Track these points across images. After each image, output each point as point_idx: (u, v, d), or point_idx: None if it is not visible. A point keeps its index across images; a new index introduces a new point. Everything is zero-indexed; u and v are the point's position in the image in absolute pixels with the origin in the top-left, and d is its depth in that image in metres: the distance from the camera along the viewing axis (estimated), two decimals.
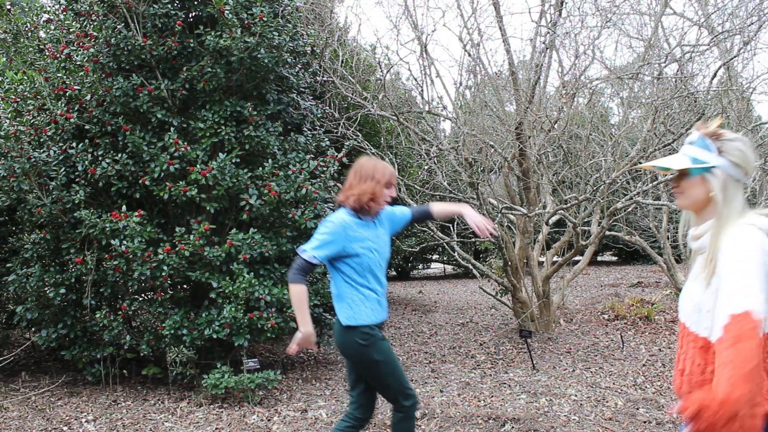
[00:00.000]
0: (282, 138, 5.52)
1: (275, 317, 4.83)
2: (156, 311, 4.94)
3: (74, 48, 5.32)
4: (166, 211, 5.24)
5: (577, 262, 8.41)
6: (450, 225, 8.93)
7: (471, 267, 7.48)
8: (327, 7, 7.60)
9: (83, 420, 4.37)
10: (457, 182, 8.82)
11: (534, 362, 5.61)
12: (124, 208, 4.82)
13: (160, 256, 4.69)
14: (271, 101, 5.46)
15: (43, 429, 4.20)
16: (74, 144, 5.07)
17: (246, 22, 5.00)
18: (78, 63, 5.29)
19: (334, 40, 7.16)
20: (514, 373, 5.40)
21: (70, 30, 5.56)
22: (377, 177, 2.71)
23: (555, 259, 7.86)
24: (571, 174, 7.98)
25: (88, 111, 5.11)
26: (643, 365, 5.47)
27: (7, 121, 5.13)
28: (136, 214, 4.77)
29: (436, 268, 18.66)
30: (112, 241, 4.68)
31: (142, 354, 4.98)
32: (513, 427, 3.94)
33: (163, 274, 4.72)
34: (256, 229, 4.98)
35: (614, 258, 18.89)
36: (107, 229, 4.69)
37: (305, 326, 2.56)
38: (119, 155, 4.92)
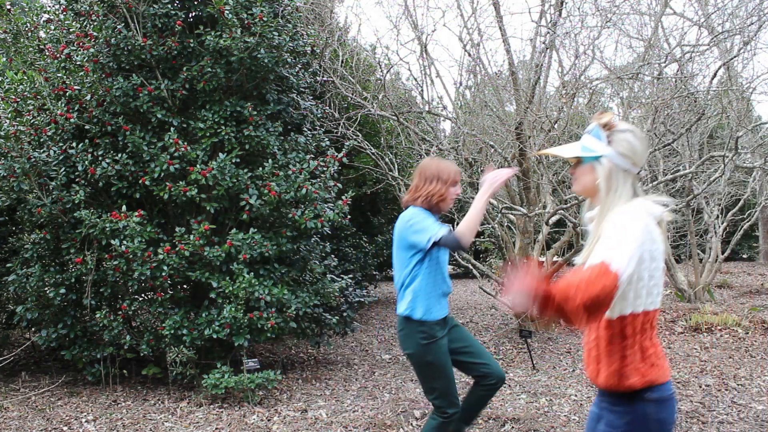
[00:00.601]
0: (282, 138, 5.52)
1: (275, 317, 4.83)
2: (156, 311, 4.94)
3: (74, 48, 5.31)
4: (166, 211, 5.24)
5: None
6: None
7: (471, 267, 7.48)
8: (327, 7, 7.60)
9: (83, 420, 4.37)
10: None
11: (534, 362, 5.62)
12: (124, 208, 4.82)
13: (160, 256, 4.69)
14: (271, 101, 5.46)
15: (43, 429, 4.20)
16: (74, 144, 5.07)
17: (246, 22, 5.00)
18: (78, 63, 5.28)
19: (334, 40, 7.16)
20: (514, 373, 5.40)
21: (70, 30, 5.56)
22: (443, 177, 2.77)
23: (555, 259, 7.85)
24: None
25: (88, 111, 5.11)
26: None
27: (7, 121, 5.12)
28: (136, 214, 4.77)
29: None
30: (112, 241, 4.68)
31: (142, 354, 4.98)
32: (513, 427, 3.94)
33: (163, 274, 4.72)
34: (256, 229, 4.98)
35: None
36: (107, 229, 4.69)
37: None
38: (119, 155, 4.92)
